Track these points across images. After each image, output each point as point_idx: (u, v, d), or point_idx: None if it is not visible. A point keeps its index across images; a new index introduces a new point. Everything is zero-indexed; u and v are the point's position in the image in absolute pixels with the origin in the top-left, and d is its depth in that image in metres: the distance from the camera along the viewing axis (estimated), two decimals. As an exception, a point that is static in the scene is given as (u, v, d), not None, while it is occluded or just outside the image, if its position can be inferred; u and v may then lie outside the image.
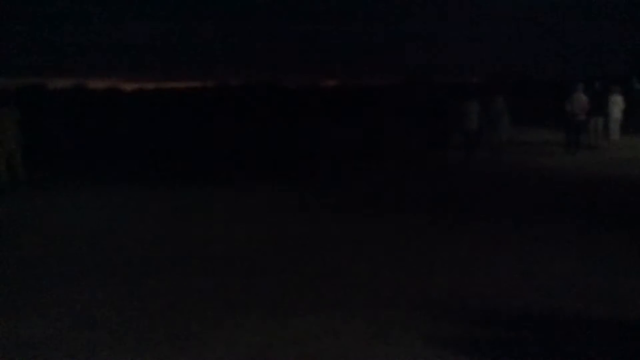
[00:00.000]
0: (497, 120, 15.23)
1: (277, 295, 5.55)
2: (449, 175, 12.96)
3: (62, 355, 4.46)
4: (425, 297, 5.46)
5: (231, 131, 23.22)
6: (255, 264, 6.58)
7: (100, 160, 15.97)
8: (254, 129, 24.01)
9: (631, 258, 6.53)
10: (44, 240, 7.82)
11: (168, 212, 9.51)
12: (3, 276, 6.39)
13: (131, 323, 4.99)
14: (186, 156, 16.71)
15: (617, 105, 17.60)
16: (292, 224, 8.49)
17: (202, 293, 5.68)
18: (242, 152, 17.26)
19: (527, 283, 5.77)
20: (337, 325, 4.83)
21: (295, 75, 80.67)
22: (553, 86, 30.28)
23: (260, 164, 15.05)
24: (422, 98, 25.02)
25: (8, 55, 59.05)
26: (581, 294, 5.42)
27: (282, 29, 65.31)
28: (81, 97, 41.26)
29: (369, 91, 40.50)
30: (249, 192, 11.27)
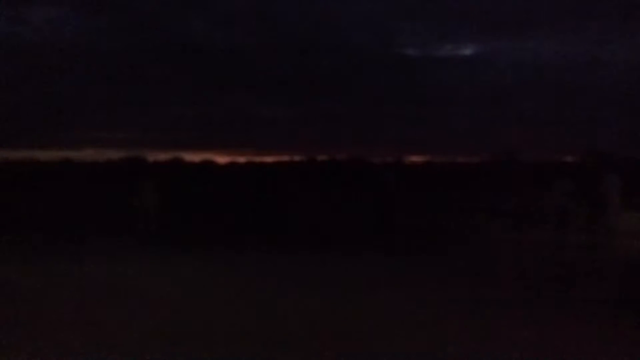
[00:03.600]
0: (604, 202, 14.74)
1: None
2: (546, 258, 12.71)
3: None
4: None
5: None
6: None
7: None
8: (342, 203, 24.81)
9: None
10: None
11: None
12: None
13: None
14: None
15: None
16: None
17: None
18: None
19: None
20: None
21: (381, 150, 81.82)
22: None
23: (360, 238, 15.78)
24: (506, 177, 24.96)
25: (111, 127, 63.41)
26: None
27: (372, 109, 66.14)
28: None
29: (456, 169, 40.76)
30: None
